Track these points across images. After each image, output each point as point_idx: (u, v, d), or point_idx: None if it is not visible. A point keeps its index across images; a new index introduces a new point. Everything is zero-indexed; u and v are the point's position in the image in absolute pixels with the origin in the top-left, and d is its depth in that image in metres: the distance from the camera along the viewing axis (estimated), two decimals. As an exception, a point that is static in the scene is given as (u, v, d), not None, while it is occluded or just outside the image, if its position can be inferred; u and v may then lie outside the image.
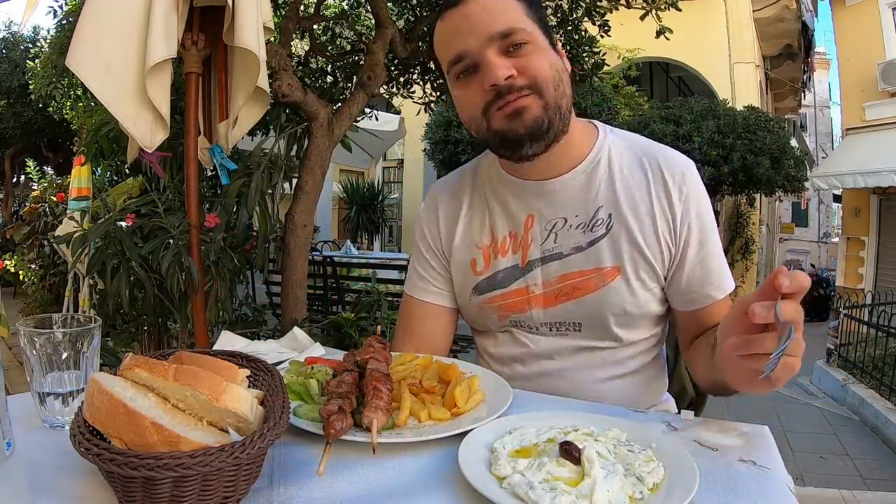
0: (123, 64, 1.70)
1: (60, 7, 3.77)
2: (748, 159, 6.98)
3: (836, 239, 13.24)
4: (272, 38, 2.42)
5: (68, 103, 4.73)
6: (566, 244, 0.97)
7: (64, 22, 3.82)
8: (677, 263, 0.95)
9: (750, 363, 0.63)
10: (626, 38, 4.55)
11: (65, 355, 0.71)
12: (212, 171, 2.36)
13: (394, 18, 3.15)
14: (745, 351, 0.64)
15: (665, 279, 0.96)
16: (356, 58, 3.41)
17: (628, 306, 0.95)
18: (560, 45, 0.94)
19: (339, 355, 0.98)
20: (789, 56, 11.48)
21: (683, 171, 0.95)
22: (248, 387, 0.67)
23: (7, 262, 5.77)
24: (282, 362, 0.95)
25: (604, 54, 3.32)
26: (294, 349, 1.08)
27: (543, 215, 0.98)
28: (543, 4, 3.16)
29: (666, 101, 8.95)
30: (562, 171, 0.96)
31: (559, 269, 0.97)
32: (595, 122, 1.03)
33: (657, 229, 0.94)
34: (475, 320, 1.10)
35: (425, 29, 3.07)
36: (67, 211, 3.18)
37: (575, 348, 1.00)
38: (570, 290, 0.96)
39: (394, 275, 5.07)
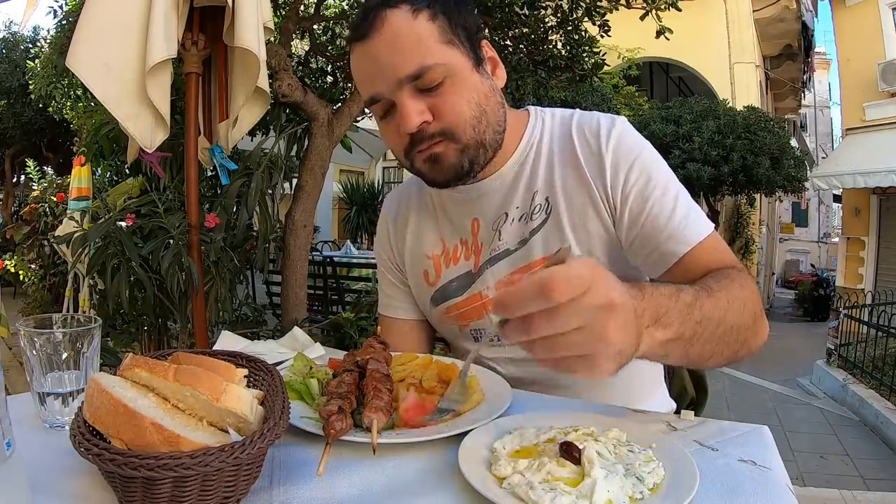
0: (123, 64, 1.70)
1: (60, 7, 3.78)
2: (748, 159, 6.99)
3: (836, 239, 13.24)
4: (272, 38, 2.42)
5: (68, 103, 4.74)
6: (511, 240, 0.93)
7: (64, 22, 3.82)
8: (625, 222, 0.86)
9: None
10: (626, 38, 4.55)
11: (65, 355, 0.71)
12: (212, 171, 2.36)
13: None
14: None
15: (622, 243, 0.89)
16: (356, 58, 3.40)
17: None
18: (491, 54, 0.88)
19: (339, 355, 0.98)
20: (789, 56, 11.50)
21: (609, 127, 0.88)
22: (248, 386, 0.67)
23: (7, 262, 5.78)
24: (282, 362, 0.95)
25: (604, 54, 3.32)
26: (294, 349, 1.08)
27: (487, 216, 0.95)
28: (544, 4, 3.16)
29: (666, 101, 8.96)
30: (497, 167, 0.92)
31: (508, 267, 0.93)
32: (529, 107, 0.99)
33: (592, 192, 0.88)
34: (442, 332, 1.08)
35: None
36: (67, 211, 3.19)
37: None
38: None
39: (394, 275, 5.06)
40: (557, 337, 0.51)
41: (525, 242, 0.91)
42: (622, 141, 0.87)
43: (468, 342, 1.02)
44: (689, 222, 0.83)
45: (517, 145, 0.93)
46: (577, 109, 0.96)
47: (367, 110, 3.24)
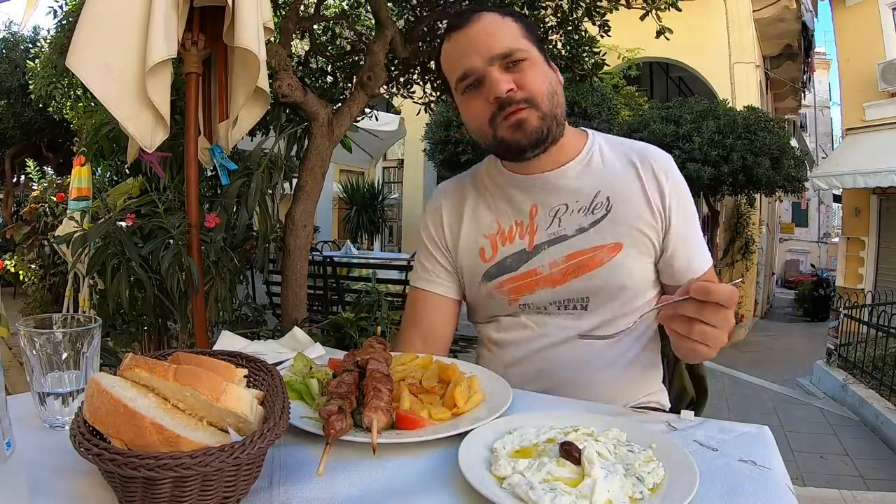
0: (123, 64, 1.70)
1: (60, 7, 3.77)
2: (748, 159, 6.97)
3: (836, 239, 13.23)
4: (272, 38, 2.42)
5: (68, 103, 4.74)
6: (570, 226, 1.06)
7: (64, 22, 3.82)
8: (667, 237, 1.07)
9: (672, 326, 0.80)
10: (626, 38, 4.55)
11: (65, 355, 0.71)
12: (212, 171, 2.36)
13: (394, 18, 3.14)
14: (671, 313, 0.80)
15: (660, 252, 1.08)
16: (356, 58, 3.40)
17: (631, 276, 1.05)
18: (550, 57, 1.05)
19: (339, 355, 0.98)
20: (789, 56, 11.47)
21: (667, 162, 1.10)
22: (248, 386, 0.67)
23: (7, 262, 5.77)
24: (282, 362, 0.95)
25: (604, 54, 3.32)
26: (294, 349, 1.08)
27: (546, 203, 1.08)
28: (544, 4, 3.17)
29: (666, 101, 8.94)
30: (559, 164, 1.07)
31: (565, 250, 1.06)
32: (585, 129, 1.15)
33: (651, 206, 1.06)
34: (483, 309, 1.16)
35: (425, 29, 3.07)
36: (67, 211, 3.19)
37: (577, 332, 1.05)
38: (575, 268, 1.05)
39: (394, 275, 5.06)
40: (708, 326, 0.76)
41: (583, 231, 1.06)
42: (675, 176, 1.09)
43: (512, 317, 1.13)
44: (705, 252, 1.11)
45: (579, 151, 1.09)
46: (624, 138, 1.17)
47: (366, 110, 3.25)
